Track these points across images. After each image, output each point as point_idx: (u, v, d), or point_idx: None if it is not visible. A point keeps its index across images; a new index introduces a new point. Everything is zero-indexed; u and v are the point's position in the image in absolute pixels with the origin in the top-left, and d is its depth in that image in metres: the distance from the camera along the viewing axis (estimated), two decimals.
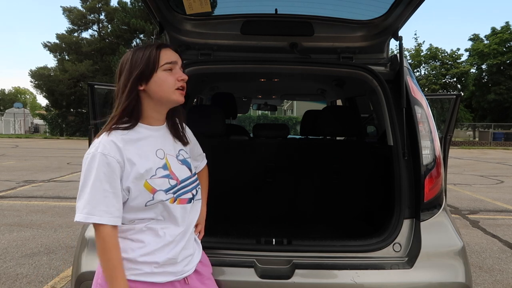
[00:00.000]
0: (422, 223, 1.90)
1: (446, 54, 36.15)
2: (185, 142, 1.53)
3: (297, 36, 2.37)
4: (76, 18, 34.71)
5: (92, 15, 35.20)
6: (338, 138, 3.52)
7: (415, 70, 35.94)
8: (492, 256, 4.27)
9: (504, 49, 34.84)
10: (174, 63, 1.39)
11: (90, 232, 1.85)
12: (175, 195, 1.38)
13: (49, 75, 34.23)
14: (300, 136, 3.91)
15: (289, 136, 3.35)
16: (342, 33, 2.38)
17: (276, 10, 2.32)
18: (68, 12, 34.68)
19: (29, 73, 34.97)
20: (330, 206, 2.98)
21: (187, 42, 2.42)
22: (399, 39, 2.20)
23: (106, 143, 1.29)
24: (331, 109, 3.69)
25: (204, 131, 2.53)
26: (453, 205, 6.94)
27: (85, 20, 35.13)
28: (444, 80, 35.80)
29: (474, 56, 36.47)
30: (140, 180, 1.31)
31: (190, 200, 1.45)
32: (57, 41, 34.65)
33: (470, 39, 38.21)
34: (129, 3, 32.62)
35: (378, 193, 2.58)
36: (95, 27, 35.63)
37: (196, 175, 1.55)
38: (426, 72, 36.53)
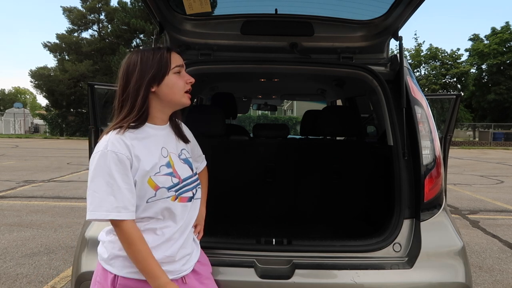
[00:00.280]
0: (422, 223, 1.90)
1: (446, 54, 36.15)
2: (186, 141, 1.56)
3: (297, 36, 2.37)
4: (76, 18, 34.71)
5: (92, 15, 35.20)
6: (338, 138, 3.52)
7: (415, 70, 35.93)
8: (492, 256, 4.27)
9: (504, 49, 34.83)
10: (181, 67, 1.43)
11: (90, 232, 1.85)
12: (177, 193, 1.40)
13: (49, 75, 34.22)
14: (300, 136, 3.91)
15: (289, 136, 3.35)
16: (342, 33, 2.38)
17: (276, 10, 2.32)
18: (68, 12, 34.68)
19: (29, 73, 35.01)
20: (330, 206, 2.98)
21: (187, 42, 2.42)
22: (399, 39, 2.20)
23: (115, 140, 1.31)
24: (331, 109, 3.69)
25: (204, 131, 2.53)
26: (453, 205, 6.94)
27: (85, 20, 35.13)
28: (444, 80, 35.79)
29: (474, 56, 36.46)
30: (144, 177, 1.33)
31: (190, 199, 1.47)
32: (57, 41, 34.67)
33: (470, 39, 38.24)
34: (129, 3, 32.64)
35: (378, 193, 2.58)
36: (95, 27, 35.66)
37: (197, 175, 1.57)
38: (426, 72, 36.53)
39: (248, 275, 1.78)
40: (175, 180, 1.40)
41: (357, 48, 2.41)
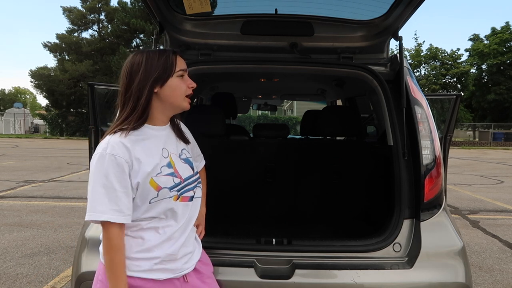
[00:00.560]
0: (422, 223, 1.90)
1: (446, 54, 36.14)
2: (187, 141, 1.57)
3: (297, 36, 2.37)
4: (76, 18, 34.71)
5: (92, 15, 35.20)
6: (338, 138, 3.52)
7: (415, 70, 35.93)
8: (492, 256, 4.27)
9: (504, 49, 34.83)
10: (185, 71, 1.44)
11: (90, 232, 1.85)
12: (178, 193, 1.41)
13: (49, 75, 34.23)
14: (300, 136, 3.91)
15: (289, 136, 3.35)
16: (342, 33, 2.38)
17: (276, 10, 2.32)
18: (68, 12, 34.68)
19: (29, 73, 35.03)
20: (330, 206, 2.98)
21: (187, 42, 2.42)
22: (399, 39, 2.20)
23: (114, 143, 1.32)
24: (331, 109, 3.69)
25: (204, 131, 2.53)
26: (453, 205, 6.94)
27: (85, 20, 35.13)
28: (444, 80, 35.79)
29: (474, 56, 36.46)
30: (146, 178, 1.34)
31: (191, 198, 1.48)
32: (57, 41, 34.67)
33: (470, 39, 38.23)
34: (129, 3, 32.64)
35: (378, 193, 2.58)
36: (95, 27, 35.66)
37: (198, 174, 1.58)
38: (426, 72, 36.53)
39: (248, 275, 1.78)
40: (177, 180, 1.41)
41: (357, 48, 2.41)
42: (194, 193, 1.49)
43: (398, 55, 2.22)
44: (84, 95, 30.95)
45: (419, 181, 1.93)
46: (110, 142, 1.32)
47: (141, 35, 33.08)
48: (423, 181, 1.91)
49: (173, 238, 1.42)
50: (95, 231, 1.81)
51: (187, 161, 1.51)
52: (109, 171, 1.28)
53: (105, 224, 1.30)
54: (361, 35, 2.38)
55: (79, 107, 34.39)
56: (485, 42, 36.29)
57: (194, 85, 1.47)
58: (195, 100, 4.79)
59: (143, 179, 1.33)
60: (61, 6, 38.33)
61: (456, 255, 1.85)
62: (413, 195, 1.96)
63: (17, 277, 3.49)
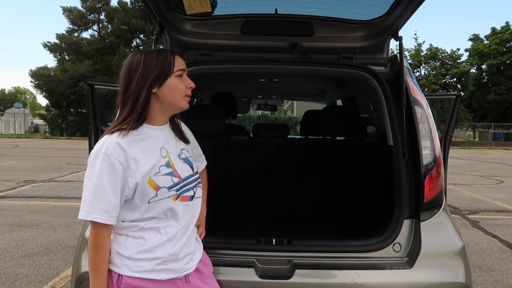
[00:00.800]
0: (422, 223, 1.90)
1: (446, 54, 36.13)
2: (186, 141, 1.57)
3: (297, 36, 2.37)
4: (76, 18, 34.71)
5: (92, 15, 35.21)
6: (338, 138, 3.52)
7: (415, 70, 35.93)
8: (492, 256, 4.27)
9: (504, 49, 34.83)
10: (184, 71, 1.44)
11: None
12: (178, 193, 1.41)
13: (49, 75, 34.23)
14: (300, 136, 3.91)
15: (289, 136, 3.35)
16: (342, 33, 2.38)
17: (276, 10, 2.32)
18: (68, 12, 34.68)
19: (29, 73, 35.03)
20: (330, 206, 2.98)
21: (187, 42, 2.42)
22: (399, 39, 2.20)
23: (110, 144, 1.32)
24: (331, 109, 3.69)
25: (204, 131, 2.53)
26: (453, 205, 6.94)
27: (85, 20, 35.13)
28: (444, 80, 35.78)
29: (474, 56, 36.46)
30: (144, 178, 1.34)
31: (191, 198, 1.48)
32: (57, 41, 34.68)
33: (470, 39, 38.24)
34: (129, 3, 32.65)
35: (378, 193, 2.58)
36: (95, 27, 35.66)
37: (198, 174, 1.58)
38: (426, 72, 36.52)
39: (248, 275, 1.78)
40: (176, 180, 1.41)
41: (357, 48, 2.41)
42: (194, 193, 1.49)
43: (398, 55, 2.22)
44: (84, 95, 30.96)
45: (419, 181, 1.93)
46: (106, 142, 1.33)
47: (141, 35, 33.09)
48: (423, 181, 1.91)
49: (175, 238, 1.42)
50: None
51: (186, 160, 1.51)
52: (102, 170, 1.29)
53: (92, 223, 1.32)
54: (361, 35, 2.38)
55: (79, 107, 34.40)
56: (485, 42, 36.29)
57: (193, 85, 1.46)
58: (195, 100, 4.79)
59: (141, 179, 1.33)
60: (61, 6, 38.39)
61: (456, 255, 1.85)
62: (413, 195, 1.96)
63: (17, 277, 3.49)
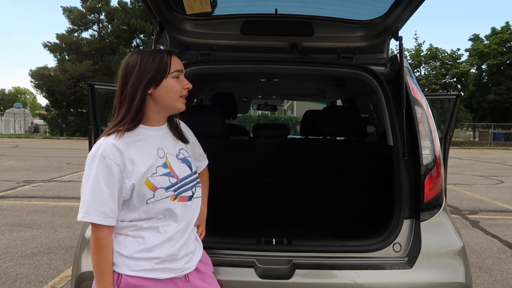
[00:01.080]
0: (422, 223, 1.90)
1: (446, 54, 36.14)
2: (185, 141, 1.56)
3: (297, 36, 2.37)
4: (76, 18, 34.72)
5: (92, 15, 35.22)
6: (338, 138, 3.52)
7: (415, 70, 35.93)
8: (492, 256, 4.27)
9: (504, 49, 34.82)
10: (181, 71, 1.43)
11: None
12: (175, 193, 1.41)
13: (49, 75, 34.24)
14: (300, 136, 3.91)
15: (289, 136, 3.35)
16: (342, 33, 2.38)
17: (276, 10, 2.32)
18: (68, 12, 34.69)
19: (29, 73, 35.04)
20: (330, 206, 2.98)
21: (187, 42, 2.41)
22: (399, 39, 2.20)
23: (106, 145, 1.33)
24: (331, 109, 3.69)
25: (204, 131, 2.53)
26: (453, 205, 6.94)
27: (85, 20, 35.14)
28: (444, 80, 35.79)
29: (474, 56, 36.46)
30: (141, 179, 1.34)
31: (190, 198, 1.47)
32: (57, 41, 34.69)
33: (470, 39, 38.22)
34: (129, 3, 32.67)
35: (378, 193, 2.58)
36: (95, 27, 35.67)
37: (197, 174, 1.58)
38: (426, 72, 36.52)
39: (248, 275, 1.78)
40: (173, 180, 1.41)
41: (357, 48, 2.41)
42: (193, 193, 1.49)
43: (398, 55, 2.22)
44: (84, 95, 30.95)
45: (419, 181, 1.93)
46: (102, 144, 1.33)
47: (141, 35, 33.10)
48: (423, 181, 1.91)
49: (174, 238, 1.42)
50: None
51: (184, 161, 1.50)
52: (99, 172, 1.30)
53: (92, 224, 1.32)
54: (361, 35, 2.38)
55: (79, 107, 34.40)
56: (485, 42, 36.28)
57: (189, 86, 1.45)
58: (195, 100, 4.79)
59: (138, 180, 1.34)
60: (61, 6, 38.41)
61: (456, 255, 1.85)
62: (413, 195, 1.95)
63: (17, 277, 3.49)
